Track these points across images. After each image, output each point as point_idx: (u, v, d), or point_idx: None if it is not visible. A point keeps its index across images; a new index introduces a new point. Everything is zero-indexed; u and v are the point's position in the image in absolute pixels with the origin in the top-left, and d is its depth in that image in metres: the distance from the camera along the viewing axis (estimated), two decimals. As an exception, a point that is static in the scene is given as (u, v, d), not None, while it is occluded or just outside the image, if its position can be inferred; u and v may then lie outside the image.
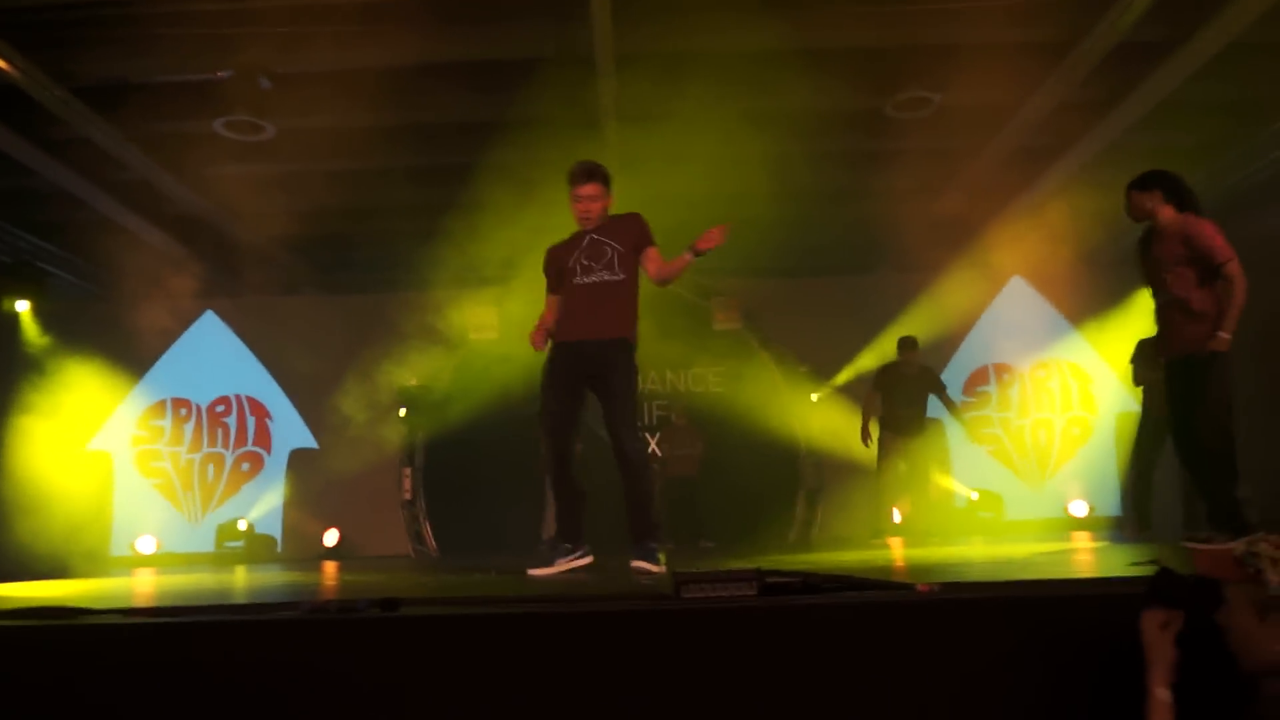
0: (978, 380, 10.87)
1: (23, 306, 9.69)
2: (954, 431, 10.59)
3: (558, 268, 4.40)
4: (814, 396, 10.42)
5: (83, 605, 2.14)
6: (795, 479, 10.42)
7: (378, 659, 1.90)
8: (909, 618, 1.97)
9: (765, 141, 7.90)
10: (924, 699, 1.94)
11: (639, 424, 4.36)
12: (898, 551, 5.50)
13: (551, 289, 4.48)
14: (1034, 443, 10.71)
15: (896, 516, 9.98)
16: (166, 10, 6.18)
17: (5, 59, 6.19)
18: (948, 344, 10.64)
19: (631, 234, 4.33)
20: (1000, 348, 10.79)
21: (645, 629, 1.91)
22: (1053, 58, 6.71)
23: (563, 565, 4.11)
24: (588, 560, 4.22)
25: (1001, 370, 10.87)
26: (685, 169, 7.98)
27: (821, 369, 10.45)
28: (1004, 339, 10.74)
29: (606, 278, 4.24)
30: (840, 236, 10.00)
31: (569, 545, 4.22)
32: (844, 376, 10.43)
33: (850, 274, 10.69)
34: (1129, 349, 7.33)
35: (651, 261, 4.36)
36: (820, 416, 10.31)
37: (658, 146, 7.60)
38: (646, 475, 4.30)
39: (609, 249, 4.29)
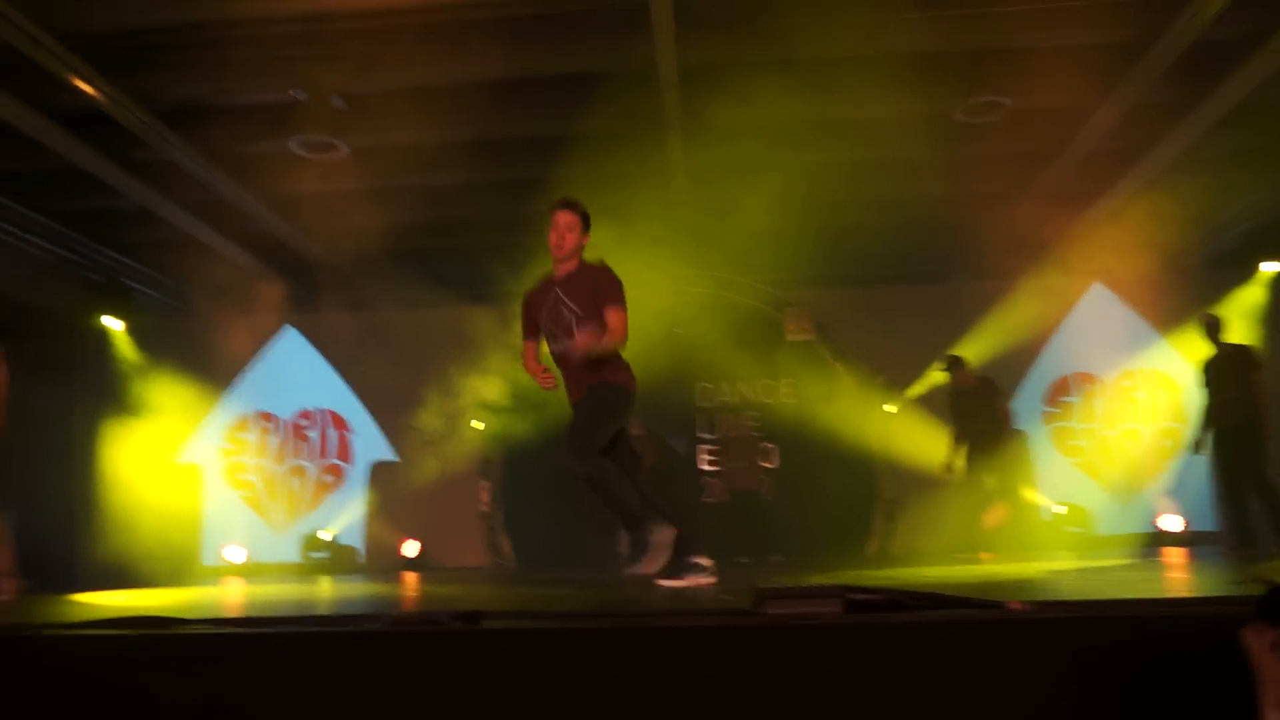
0: (1060, 390, 10.58)
1: (114, 324, 10.04)
2: (1039, 444, 10.35)
3: (531, 316, 4.49)
4: (890, 407, 10.24)
5: (176, 615, 2.19)
6: (872, 491, 10.24)
7: (459, 672, 1.90)
8: (1000, 637, 1.91)
9: (834, 150, 7.83)
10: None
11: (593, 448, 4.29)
12: (984, 567, 5.37)
13: (526, 335, 4.58)
14: (1122, 455, 10.37)
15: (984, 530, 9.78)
16: (242, 34, 6.36)
17: (91, 84, 6.45)
18: (1026, 353, 10.38)
19: (589, 294, 4.32)
20: (1082, 357, 10.47)
21: (726, 645, 1.88)
22: (1127, 59, 6.52)
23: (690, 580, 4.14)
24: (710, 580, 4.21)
25: (1084, 380, 10.56)
26: (752, 180, 7.95)
27: (897, 379, 10.28)
28: (1085, 348, 10.41)
29: (569, 344, 4.29)
30: (914, 245, 9.83)
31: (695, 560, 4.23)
32: (920, 387, 10.24)
33: (925, 283, 10.50)
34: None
35: (609, 320, 4.30)
36: (897, 427, 10.13)
37: (724, 158, 7.59)
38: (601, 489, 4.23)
39: (565, 314, 4.31)
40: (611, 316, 4.24)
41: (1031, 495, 10.13)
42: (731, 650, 1.91)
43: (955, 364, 8.22)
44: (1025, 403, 10.48)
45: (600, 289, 4.30)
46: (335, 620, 2.34)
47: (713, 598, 2.86)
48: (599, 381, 4.29)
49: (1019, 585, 3.17)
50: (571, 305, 4.29)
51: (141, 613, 2.27)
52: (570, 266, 4.38)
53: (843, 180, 8.45)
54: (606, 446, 4.29)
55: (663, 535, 4.05)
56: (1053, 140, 7.84)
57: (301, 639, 1.96)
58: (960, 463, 8.27)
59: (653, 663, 1.91)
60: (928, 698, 1.88)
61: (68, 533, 9.98)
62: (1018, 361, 10.32)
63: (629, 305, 4.47)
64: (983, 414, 8.10)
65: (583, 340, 4.13)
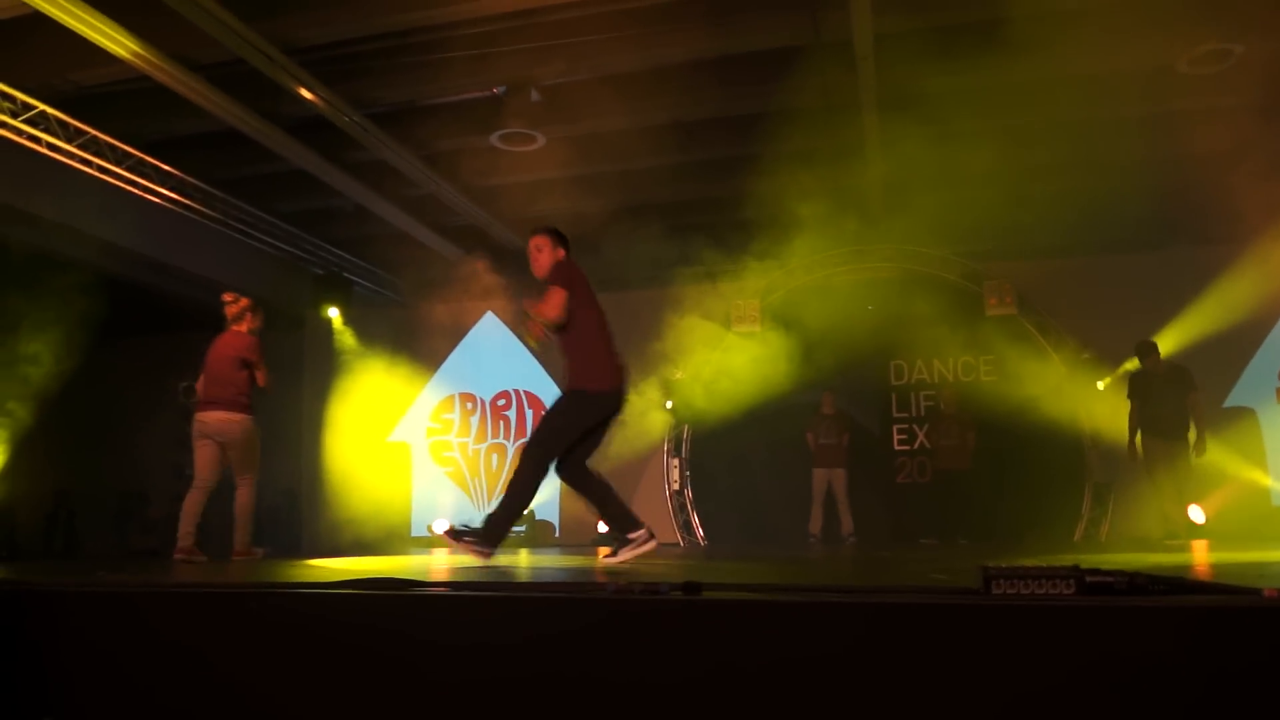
0: (1295, 367, 9.63)
1: (334, 313, 10.79)
2: (1271, 422, 9.50)
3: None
4: (1100, 384, 9.64)
5: (415, 579, 2.35)
6: (1080, 473, 9.69)
7: (680, 640, 1.95)
8: (1255, 626, 1.77)
9: (1041, 112, 7.44)
10: (1272, 714, 1.75)
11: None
12: (1203, 554, 4.99)
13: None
14: (1372, 434, 9.35)
15: (1199, 516, 9.09)
16: (442, 36, 6.69)
17: (312, 91, 6.95)
18: (1259, 327, 9.51)
19: (543, 289, 4.46)
20: (1324, 326, 9.49)
21: (950, 624, 1.84)
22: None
23: (632, 551, 4.43)
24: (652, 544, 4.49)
25: (1326, 352, 9.57)
26: (953, 147, 7.64)
27: (1108, 355, 9.63)
28: (1328, 316, 9.44)
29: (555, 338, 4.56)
30: (1128, 210, 9.16)
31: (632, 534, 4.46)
32: (1134, 363, 9.57)
33: (1139, 251, 9.78)
34: None
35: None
36: (1108, 405, 9.52)
37: (922, 126, 7.33)
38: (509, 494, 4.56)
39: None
40: (547, 294, 4.40)
41: (1260, 478, 9.32)
42: (956, 628, 1.87)
43: (1148, 350, 7.75)
44: (1255, 378, 9.61)
45: (550, 280, 4.51)
46: (559, 586, 2.46)
47: (931, 577, 2.80)
48: (568, 387, 4.55)
49: (1260, 573, 2.93)
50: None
51: (374, 575, 2.45)
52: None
53: (1048, 145, 8.03)
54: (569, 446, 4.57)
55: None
56: (1289, 90, 7.15)
57: (532, 603, 2.06)
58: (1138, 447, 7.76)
59: (875, 637, 1.89)
60: (1170, 687, 1.77)
61: (293, 506, 10.87)
62: (1246, 334, 9.48)
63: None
64: (1169, 401, 7.60)
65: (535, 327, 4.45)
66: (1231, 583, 1.97)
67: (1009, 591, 1.83)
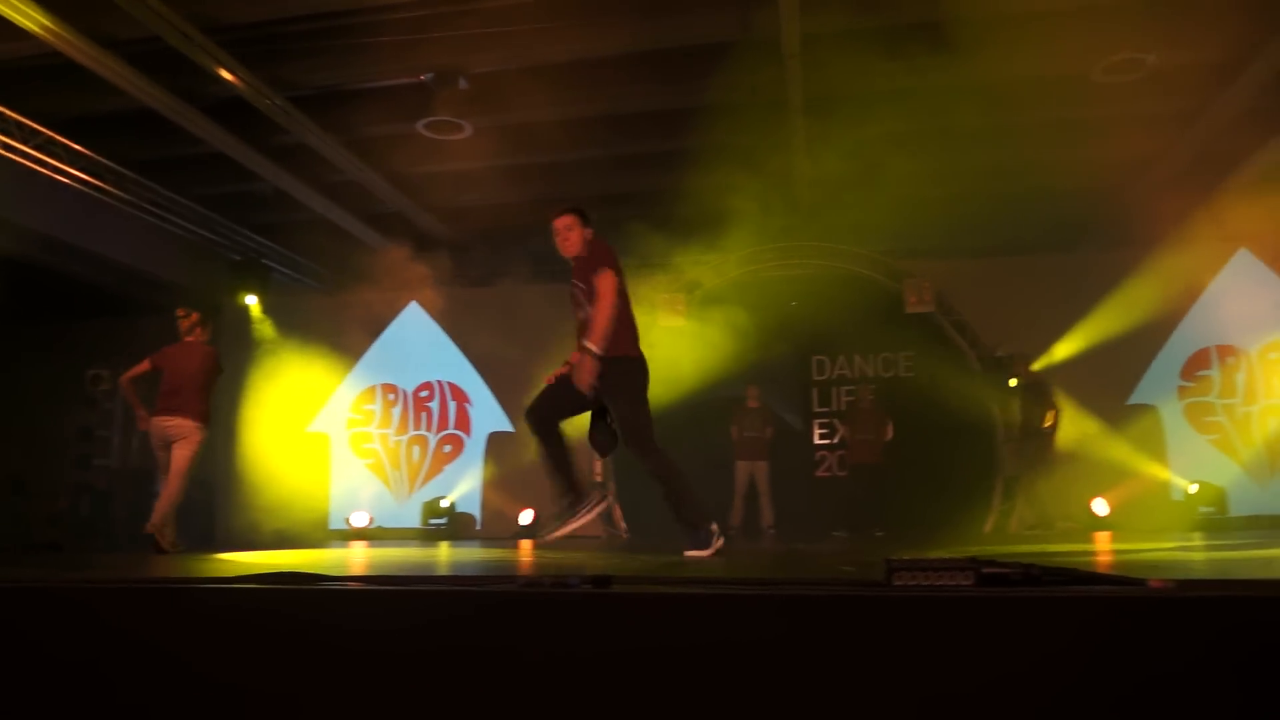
0: (1198, 364, 10.03)
1: (251, 300, 10.53)
2: (1173, 420, 9.89)
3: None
4: (1013, 382, 9.92)
5: (317, 572, 2.31)
6: (992, 467, 9.96)
7: (589, 634, 1.95)
8: (1141, 615, 1.85)
9: (962, 115, 7.60)
10: (1158, 701, 1.82)
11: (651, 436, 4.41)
12: (1107, 545, 5.19)
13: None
14: (1263, 432, 9.79)
15: (1103, 509, 9.44)
16: (372, 20, 6.57)
17: (232, 72, 6.77)
18: (1164, 325, 9.89)
19: (589, 269, 4.44)
20: (1224, 328, 9.90)
21: (854, 615, 1.88)
22: (1285, 8, 6.11)
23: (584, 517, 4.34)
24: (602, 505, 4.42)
25: (1225, 353, 9.98)
26: (874, 148, 7.78)
27: (1022, 353, 9.92)
28: (1228, 318, 9.84)
29: (583, 317, 4.48)
30: (1044, 213, 9.47)
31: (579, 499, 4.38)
32: (1046, 360, 9.89)
33: (1054, 252, 10.09)
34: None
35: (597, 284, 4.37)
36: (1020, 402, 9.82)
37: (848, 126, 7.45)
38: (668, 481, 4.39)
39: (579, 295, 4.52)
40: (600, 282, 4.32)
41: (1163, 474, 9.70)
42: (859, 619, 1.91)
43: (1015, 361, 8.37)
44: (1159, 377, 10.00)
45: (592, 260, 4.47)
46: (468, 579, 2.44)
47: (839, 569, 2.85)
48: (616, 353, 4.33)
49: (1154, 564, 3.05)
50: (581, 285, 4.49)
51: (285, 569, 2.40)
52: (576, 260, 4.61)
53: (968, 147, 8.22)
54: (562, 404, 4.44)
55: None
56: (1197, 99, 7.43)
57: (438, 596, 2.05)
58: None
59: (781, 629, 1.92)
60: (1062, 673, 1.84)
61: (208, 498, 10.59)
62: (1153, 334, 9.86)
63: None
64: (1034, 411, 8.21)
65: (586, 373, 4.25)
66: (1121, 574, 2.05)
67: (910, 583, 1.88)
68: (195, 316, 6.86)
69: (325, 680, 2.07)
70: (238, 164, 8.31)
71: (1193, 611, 1.83)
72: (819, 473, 10.57)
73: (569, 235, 4.59)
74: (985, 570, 1.88)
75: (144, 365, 6.61)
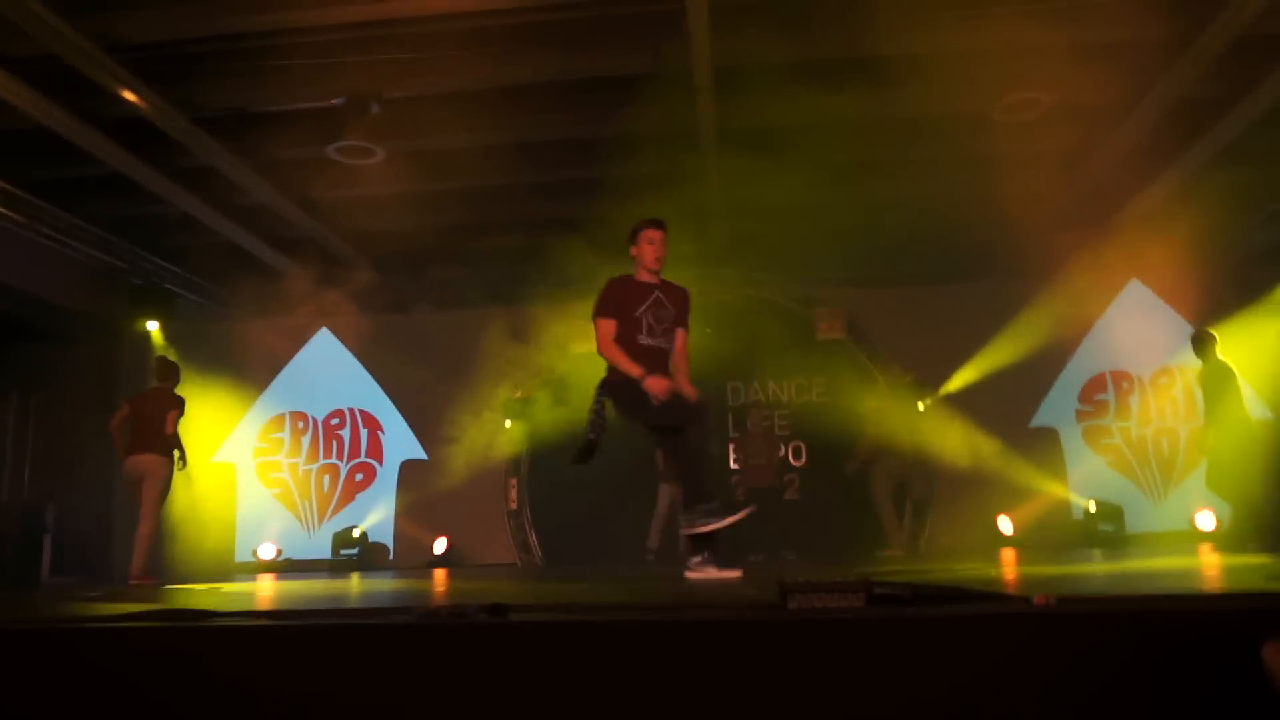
0: (1095, 388, 10.46)
1: (153, 326, 10.21)
2: (1070, 441, 10.25)
3: (621, 302, 4.75)
4: (921, 406, 10.19)
5: (208, 609, 2.24)
6: (902, 489, 10.19)
7: (487, 664, 1.94)
8: (1024, 631, 1.91)
9: (867, 150, 7.81)
10: (1044, 713, 1.88)
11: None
12: (1011, 565, 5.34)
13: (617, 318, 4.74)
14: (1156, 453, 10.24)
15: (1007, 528, 9.71)
16: (281, 42, 6.47)
17: (135, 92, 6.58)
18: (1061, 351, 10.29)
19: (683, 308, 4.88)
20: (1118, 354, 10.35)
21: (749, 639, 1.90)
22: (1169, 54, 6.43)
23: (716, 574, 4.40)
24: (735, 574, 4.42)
25: (1120, 378, 10.43)
26: (786, 180, 7.94)
27: (929, 378, 10.22)
28: (1122, 345, 10.30)
29: (663, 345, 4.77)
30: (948, 244, 9.78)
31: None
32: (953, 384, 10.18)
33: (959, 281, 10.42)
34: (1259, 354, 7.06)
35: (678, 341, 4.87)
36: (928, 426, 10.08)
37: (759, 159, 7.59)
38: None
39: (668, 316, 4.79)
40: (680, 338, 4.85)
41: (1063, 494, 10.05)
42: (755, 643, 1.93)
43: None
44: (1058, 401, 10.38)
45: (686, 308, 4.90)
46: (365, 613, 2.39)
47: (736, 592, 2.88)
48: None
49: (1045, 581, 3.16)
50: (672, 310, 4.80)
51: (174, 607, 2.33)
52: (658, 277, 4.86)
53: (876, 181, 8.44)
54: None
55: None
56: (1092, 137, 7.77)
57: (332, 630, 2.01)
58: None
59: (677, 655, 1.93)
60: (952, 690, 1.89)
61: (106, 530, 10.19)
62: (1052, 359, 10.24)
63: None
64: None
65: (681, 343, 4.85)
66: (1006, 591, 2.12)
67: (804, 605, 1.91)
68: (172, 364, 8.15)
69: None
70: (141, 186, 8.06)
71: (1073, 627, 1.90)
72: (736, 496, 10.66)
73: (663, 251, 4.83)
74: (876, 590, 1.92)
75: (123, 409, 7.68)
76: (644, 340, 4.66)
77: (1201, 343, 7.56)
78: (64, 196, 8.62)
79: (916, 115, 7.38)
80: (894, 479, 9.47)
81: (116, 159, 7.51)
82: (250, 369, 10.91)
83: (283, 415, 11.25)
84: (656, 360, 4.65)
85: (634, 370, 4.52)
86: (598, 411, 4.74)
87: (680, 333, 4.85)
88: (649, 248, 4.79)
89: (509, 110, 7.28)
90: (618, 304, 4.72)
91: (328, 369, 11.20)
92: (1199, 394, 7.78)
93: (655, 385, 4.43)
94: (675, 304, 4.81)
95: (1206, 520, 9.55)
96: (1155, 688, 1.87)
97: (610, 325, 4.69)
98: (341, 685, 1.95)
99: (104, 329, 10.00)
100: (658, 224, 4.87)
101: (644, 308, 4.70)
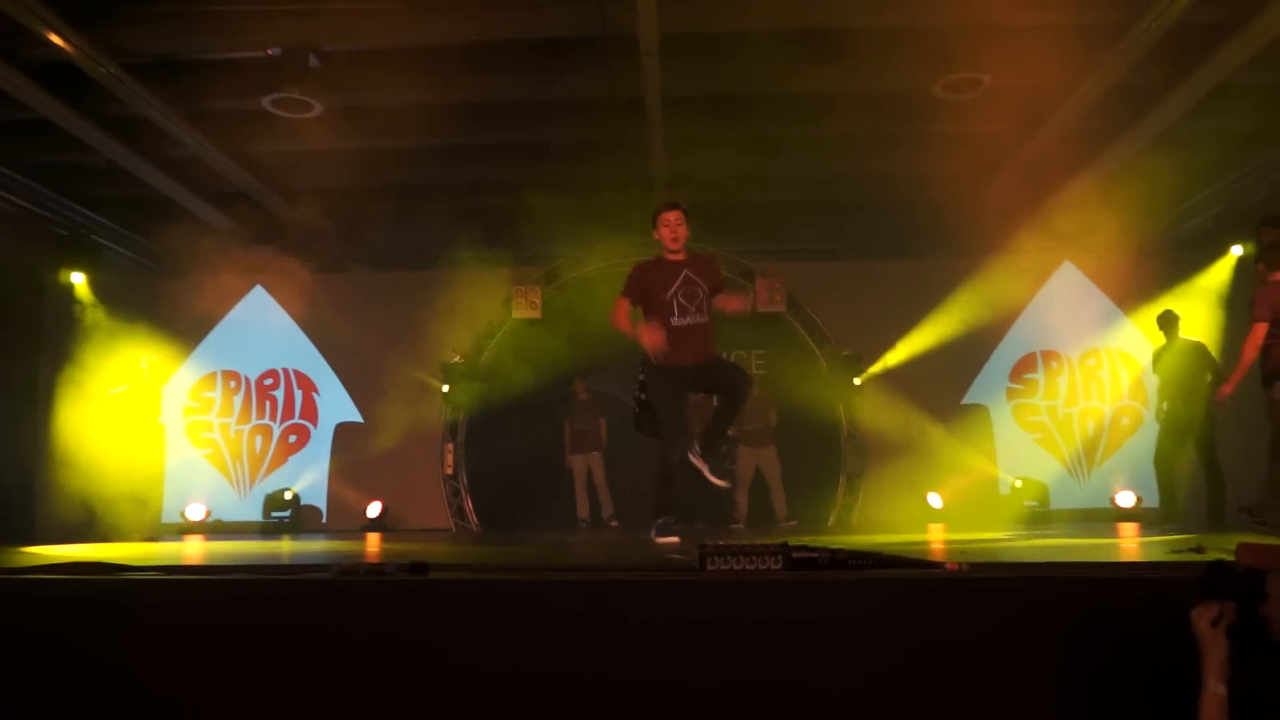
0: (1025, 367, 10.69)
1: (78, 279, 9.90)
2: (1001, 418, 10.49)
3: (646, 289, 4.99)
4: (857, 380, 10.33)
5: (125, 564, 2.20)
6: (836, 462, 10.35)
7: (407, 621, 1.93)
8: (936, 596, 1.96)
9: (810, 124, 7.84)
10: (949, 677, 1.93)
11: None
12: (934, 535, 5.47)
13: (632, 301, 5.05)
14: (1081, 432, 10.52)
15: (936, 502, 9.92)
16: (215, -14, 6.27)
17: (59, 34, 6.32)
18: (995, 330, 10.48)
19: (714, 279, 5.06)
20: (1049, 335, 10.57)
21: (668, 599, 1.92)
22: (1106, 40, 6.55)
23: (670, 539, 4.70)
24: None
25: (1050, 357, 10.67)
26: (730, 150, 7.95)
27: (866, 353, 10.36)
28: (1052, 325, 10.52)
29: (698, 320, 4.96)
30: (888, 220, 9.88)
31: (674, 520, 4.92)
32: (889, 360, 10.33)
33: (898, 258, 10.55)
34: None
35: (721, 301, 5.09)
36: (863, 400, 10.23)
37: (703, 128, 7.57)
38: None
39: (699, 291, 4.96)
40: (731, 301, 5.11)
41: (992, 469, 10.28)
42: (675, 604, 1.95)
43: None
44: (990, 379, 10.60)
45: (721, 277, 5.13)
46: (284, 569, 2.37)
47: (658, 556, 2.90)
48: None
49: (963, 550, 3.24)
50: (702, 285, 4.97)
51: (91, 561, 2.28)
52: (684, 254, 5.04)
53: (820, 154, 8.47)
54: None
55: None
56: (1030, 118, 7.88)
57: (249, 586, 1.98)
58: None
59: (598, 615, 1.95)
60: (864, 652, 1.93)
61: (28, 487, 9.91)
62: (985, 337, 10.43)
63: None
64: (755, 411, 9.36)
65: (740, 303, 5.16)
66: (922, 558, 2.17)
67: (723, 568, 1.94)
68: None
69: (127, 671, 1.97)
70: (67, 133, 7.77)
71: (982, 590, 1.96)
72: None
73: (679, 230, 4.98)
74: (794, 555, 1.96)
75: None
76: (676, 321, 4.89)
77: (1168, 323, 7.79)
78: (-15, 142, 8.28)
79: (859, 90, 7.41)
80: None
81: (40, 104, 7.22)
82: (181, 325, 10.62)
83: (214, 374, 11.00)
84: (691, 337, 4.91)
85: (627, 329, 4.88)
86: (640, 383, 5.11)
87: (722, 297, 5.07)
88: (665, 229, 4.98)
89: (451, 69, 7.14)
90: (641, 288, 5.00)
91: (261, 328, 10.96)
92: (1151, 372, 8.02)
93: (647, 337, 4.74)
94: (706, 277, 5.00)
95: (1127, 499, 9.87)
96: (1062, 648, 1.94)
97: (623, 304, 5.01)
98: (257, 641, 1.93)
99: (25, 279, 9.66)
100: (671, 205, 5.08)
101: (673, 289, 4.93)
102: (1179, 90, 7.13)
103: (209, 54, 7.16)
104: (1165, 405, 7.67)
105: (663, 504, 4.96)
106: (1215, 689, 1.79)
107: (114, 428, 9.76)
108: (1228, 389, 6.12)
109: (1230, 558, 1.93)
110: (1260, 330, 5.78)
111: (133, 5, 6.49)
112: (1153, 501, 9.64)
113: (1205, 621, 1.82)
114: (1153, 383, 8.58)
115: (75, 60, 6.63)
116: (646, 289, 4.99)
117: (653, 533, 4.88)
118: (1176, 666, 1.85)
